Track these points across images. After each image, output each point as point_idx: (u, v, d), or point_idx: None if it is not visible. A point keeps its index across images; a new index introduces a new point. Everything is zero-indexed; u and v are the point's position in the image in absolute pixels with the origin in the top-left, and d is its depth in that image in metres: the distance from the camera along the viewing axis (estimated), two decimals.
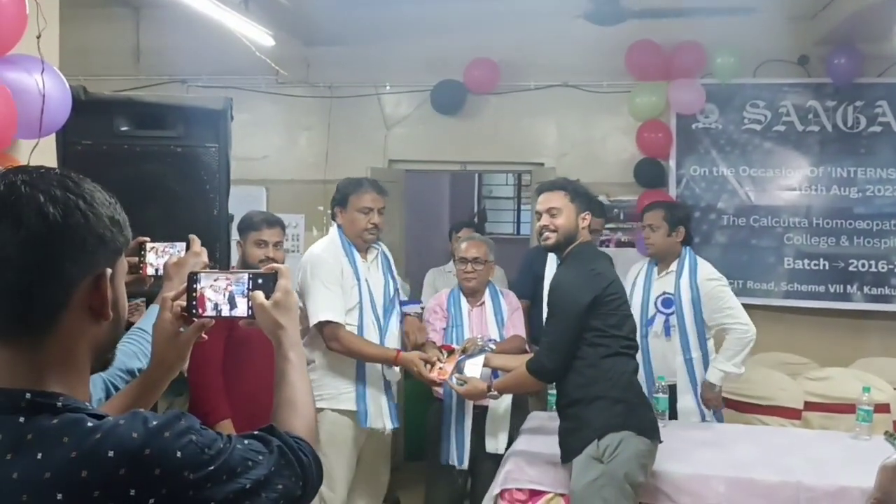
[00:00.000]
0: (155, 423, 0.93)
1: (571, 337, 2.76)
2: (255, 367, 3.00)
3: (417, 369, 3.23)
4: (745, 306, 4.88)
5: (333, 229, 3.42)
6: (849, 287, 4.86)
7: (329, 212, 5.35)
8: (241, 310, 1.30)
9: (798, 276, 4.92)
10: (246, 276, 1.30)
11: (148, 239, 1.82)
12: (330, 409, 3.24)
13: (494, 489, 2.99)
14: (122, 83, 4.79)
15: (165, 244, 1.88)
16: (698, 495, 2.88)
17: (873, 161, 4.85)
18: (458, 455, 3.51)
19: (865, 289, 4.84)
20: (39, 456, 0.88)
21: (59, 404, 0.93)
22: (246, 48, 4.57)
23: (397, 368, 3.41)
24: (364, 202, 3.30)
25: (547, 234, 2.89)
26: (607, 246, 5.00)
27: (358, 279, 3.27)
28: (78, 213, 0.94)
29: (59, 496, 0.86)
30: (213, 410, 2.94)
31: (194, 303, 1.31)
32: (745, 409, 4.17)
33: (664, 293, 3.74)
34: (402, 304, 3.60)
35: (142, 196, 2.33)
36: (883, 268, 4.81)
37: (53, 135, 2.24)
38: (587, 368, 2.77)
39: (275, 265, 1.32)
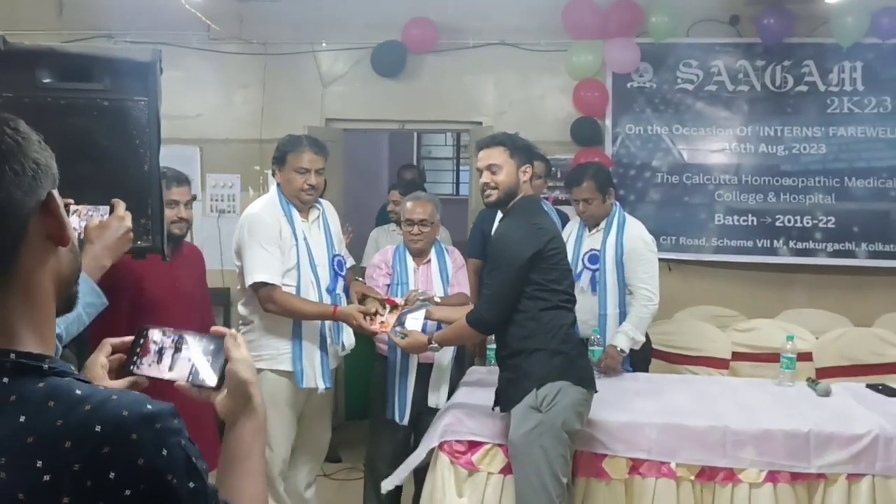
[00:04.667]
0: (150, 407, 0.87)
1: (511, 290, 2.80)
2: None
3: (357, 322, 3.21)
4: (678, 262, 5.09)
5: (273, 188, 3.36)
6: (775, 242, 5.03)
7: (267, 171, 5.35)
8: (208, 377, 1.18)
9: (728, 231, 5.07)
10: (199, 340, 1.20)
11: (72, 201, 1.76)
12: (269, 369, 3.22)
13: (432, 441, 3.04)
14: (45, 37, 4.59)
15: (89, 207, 1.81)
16: (631, 442, 2.98)
17: (799, 120, 5.00)
18: (401, 411, 3.56)
19: (791, 243, 5.01)
20: (22, 419, 0.84)
21: (46, 366, 0.89)
22: (176, 2, 4.42)
23: (352, 338, 3.42)
24: (301, 162, 3.24)
25: (489, 191, 2.90)
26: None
27: (296, 239, 3.23)
28: (9, 139, 0.89)
29: (39, 463, 0.82)
30: None
31: (136, 357, 1.22)
32: (676, 359, 4.32)
33: (591, 250, 3.80)
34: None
35: (69, 151, 2.21)
36: (808, 223, 4.99)
37: None
38: (527, 321, 2.81)
39: (222, 329, 1.22)
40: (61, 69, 2.27)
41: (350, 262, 3.64)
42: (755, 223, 5.04)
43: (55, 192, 0.95)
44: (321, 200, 3.44)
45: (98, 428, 0.83)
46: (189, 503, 0.86)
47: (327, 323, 3.31)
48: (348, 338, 3.43)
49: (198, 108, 5.38)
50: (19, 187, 0.90)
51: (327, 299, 3.31)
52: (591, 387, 2.87)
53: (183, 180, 3.10)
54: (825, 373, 4.08)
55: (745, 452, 2.92)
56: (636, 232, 3.78)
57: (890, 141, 4.92)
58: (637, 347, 3.69)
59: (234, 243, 3.32)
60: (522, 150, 2.94)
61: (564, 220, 4.19)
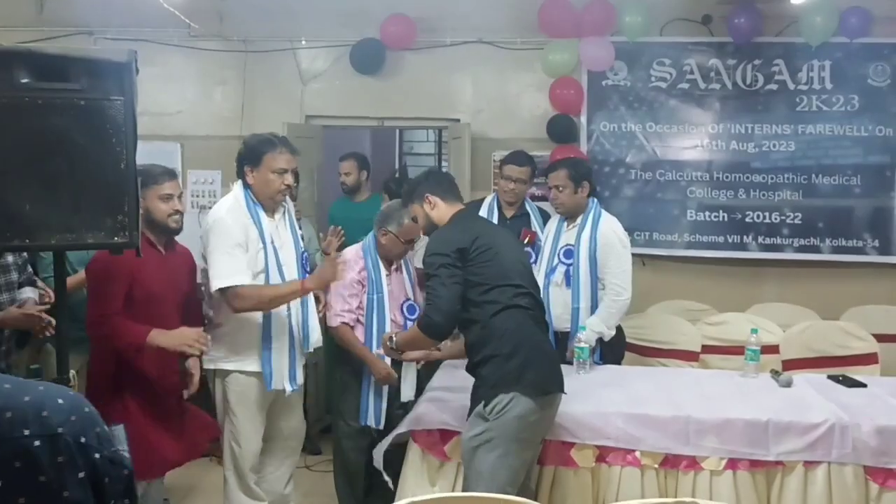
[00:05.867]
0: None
1: (448, 289, 2.78)
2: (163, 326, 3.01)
3: (329, 270, 3.20)
4: (651, 257, 5.19)
5: (237, 187, 3.26)
6: (745, 237, 5.15)
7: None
8: None
9: (699, 227, 5.18)
10: None
11: None
12: (237, 370, 3.24)
13: (401, 428, 3.13)
14: (25, 35, 4.62)
15: None
16: (598, 430, 3.07)
17: (769, 118, 5.11)
18: (376, 416, 3.61)
19: (760, 239, 5.13)
20: None
21: None
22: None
23: (318, 334, 3.41)
24: (279, 163, 3.19)
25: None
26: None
27: (264, 243, 3.18)
28: None
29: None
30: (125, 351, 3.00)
31: None
32: (647, 352, 4.41)
33: (567, 245, 3.89)
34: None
35: (47, 150, 2.32)
36: (776, 219, 5.11)
37: None
38: (480, 329, 2.83)
39: None
40: (39, 69, 2.33)
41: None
42: (726, 219, 5.16)
43: None
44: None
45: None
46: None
47: (294, 322, 3.29)
48: (314, 334, 3.40)
49: (178, 105, 5.42)
50: None
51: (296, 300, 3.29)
52: (550, 392, 2.85)
53: (173, 174, 3.18)
54: (791, 365, 4.18)
55: (707, 441, 3.02)
56: (610, 227, 3.87)
57: (856, 139, 5.05)
58: (606, 339, 3.79)
59: (201, 245, 3.26)
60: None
61: (545, 216, 4.29)
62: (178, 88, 5.39)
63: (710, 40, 5.15)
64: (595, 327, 3.73)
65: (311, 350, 3.42)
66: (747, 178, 5.13)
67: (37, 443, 0.92)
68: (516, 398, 2.75)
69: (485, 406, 2.78)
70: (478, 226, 3.03)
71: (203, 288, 3.31)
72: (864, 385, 3.51)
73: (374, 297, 3.63)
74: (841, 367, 4.04)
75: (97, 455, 0.97)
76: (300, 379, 3.35)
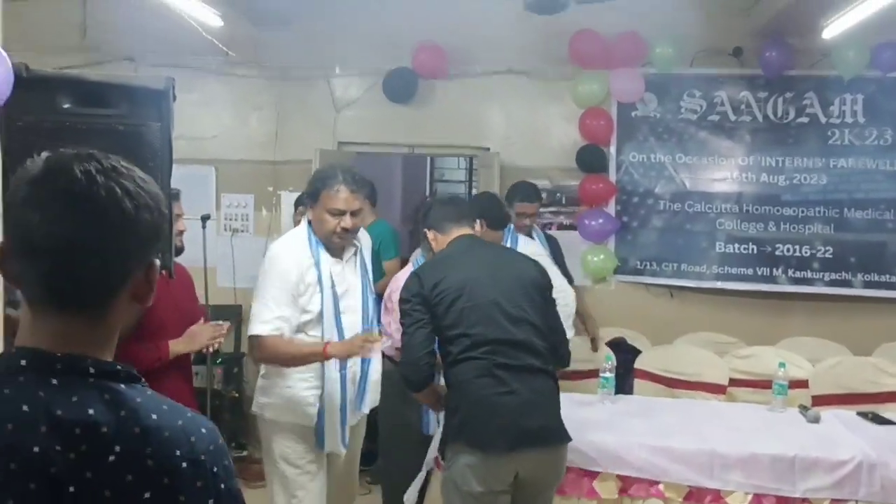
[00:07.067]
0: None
1: (413, 336, 2.71)
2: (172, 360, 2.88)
3: (360, 345, 2.82)
4: (678, 288, 5.16)
5: (304, 221, 3.04)
6: (775, 270, 5.10)
7: (281, 192, 5.49)
8: None
9: (728, 259, 5.15)
10: None
11: None
12: (290, 422, 2.99)
13: (429, 456, 3.16)
14: (68, 60, 4.77)
15: None
16: (621, 459, 3.06)
17: (800, 151, 5.08)
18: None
19: (790, 272, 5.09)
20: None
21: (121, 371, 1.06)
22: (195, 28, 4.59)
23: (376, 394, 3.13)
24: (335, 203, 2.87)
25: None
26: (550, 228, 5.17)
27: (321, 286, 2.89)
28: (146, 210, 1.03)
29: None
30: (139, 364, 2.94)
31: None
32: (673, 384, 4.38)
33: None
34: None
35: None
36: (806, 252, 5.06)
37: None
38: (445, 380, 2.79)
39: None
40: (81, 95, 2.42)
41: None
42: (755, 251, 5.12)
43: (156, 262, 1.10)
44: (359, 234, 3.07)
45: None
46: None
47: (350, 380, 2.98)
48: (373, 394, 3.12)
49: (214, 130, 5.54)
50: (137, 253, 1.05)
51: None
52: (496, 446, 2.62)
53: (179, 195, 3.18)
54: (821, 400, 4.12)
55: (733, 475, 3.00)
56: (529, 249, 3.91)
57: (889, 173, 5.00)
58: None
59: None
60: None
61: (554, 245, 4.36)
62: (214, 114, 5.52)
63: (740, 73, 5.15)
64: None
65: (366, 412, 3.13)
66: (777, 210, 5.09)
67: (184, 464, 1.00)
68: (459, 451, 2.66)
69: (443, 458, 2.79)
70: (453, 264, 2.81)
71: None
72: (894, 423, 3.45)
73: None
74: (871, 405, 3.98)
75: (223, 486, 1.04)
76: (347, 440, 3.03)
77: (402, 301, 2.78)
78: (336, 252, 2.97)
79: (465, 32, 5.25)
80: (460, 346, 2.66)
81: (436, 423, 3.50)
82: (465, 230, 2.93)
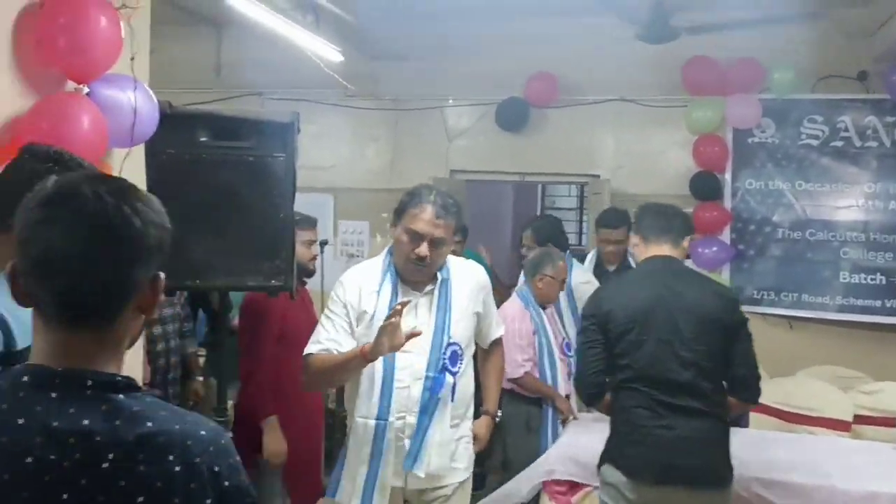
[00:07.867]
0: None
1: (584, 354, 2.74)
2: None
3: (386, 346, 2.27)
4: (799, 319, 4.97)
5: (386, 248, 2.64)
6: None
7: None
8: None
9: (854, 290, 4.93)
10: None
11: None
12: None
13: (534, 479, 3.17)
14: (203, 95, 5.15)
15: None
16: (735, 495, 2.97)
17: None
18: None
19: None
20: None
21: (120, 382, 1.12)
22: (316, 64, 4.86)
23: (443, 460, 2.48)
24: (416, 223, 2.44)
25: None
26: None
27: (374, 318, 2.44)
28: (152, 226, 1.10)
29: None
30: (261, 407, 3.11)
31: None
32: (794, 419, 4.21)
33: None
34: None
35: (218, 200, 2.60)
36: None
37: (143, 144, 2.53)
38: (611, 400, 2.79)
39: None
40: (216, 129, 2.64)
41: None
42: (884, 282, 4.88)
43: (162, 275, 1.15)
44: (449, 263, 2.57)
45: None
46: None
47: (392, 429, 2.43)
48: (439, 458, 2.46)
49: (332, 159, 5.81)
50: (143, 267, 1.11)
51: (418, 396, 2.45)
52: (639, 477, 2.62)
53: (314, 222, 3.40)
54: None
55: None
56: (578, 275, 4.18)
57: None
58: None
59: None
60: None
61: None
62: (332, 144, 5.79)
63: (865, 97, 4.96)
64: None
65: (422, 476, 2.43)
66: None
67: (177, 468, 1.05)
68: (610, 473, 2.68)
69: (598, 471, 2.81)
70: (633, 291, 2.73)
71: None
72: None
73: (543, 340, 3.78)
74: None
75: (226, 483, 1.10)
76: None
77: (583, 317, 2.85)
78: (415, 283, 2.52)
79: (577, 62, 5.30)
80: (624, 375, 2.66)
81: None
82: (663, 248, 2.75)
